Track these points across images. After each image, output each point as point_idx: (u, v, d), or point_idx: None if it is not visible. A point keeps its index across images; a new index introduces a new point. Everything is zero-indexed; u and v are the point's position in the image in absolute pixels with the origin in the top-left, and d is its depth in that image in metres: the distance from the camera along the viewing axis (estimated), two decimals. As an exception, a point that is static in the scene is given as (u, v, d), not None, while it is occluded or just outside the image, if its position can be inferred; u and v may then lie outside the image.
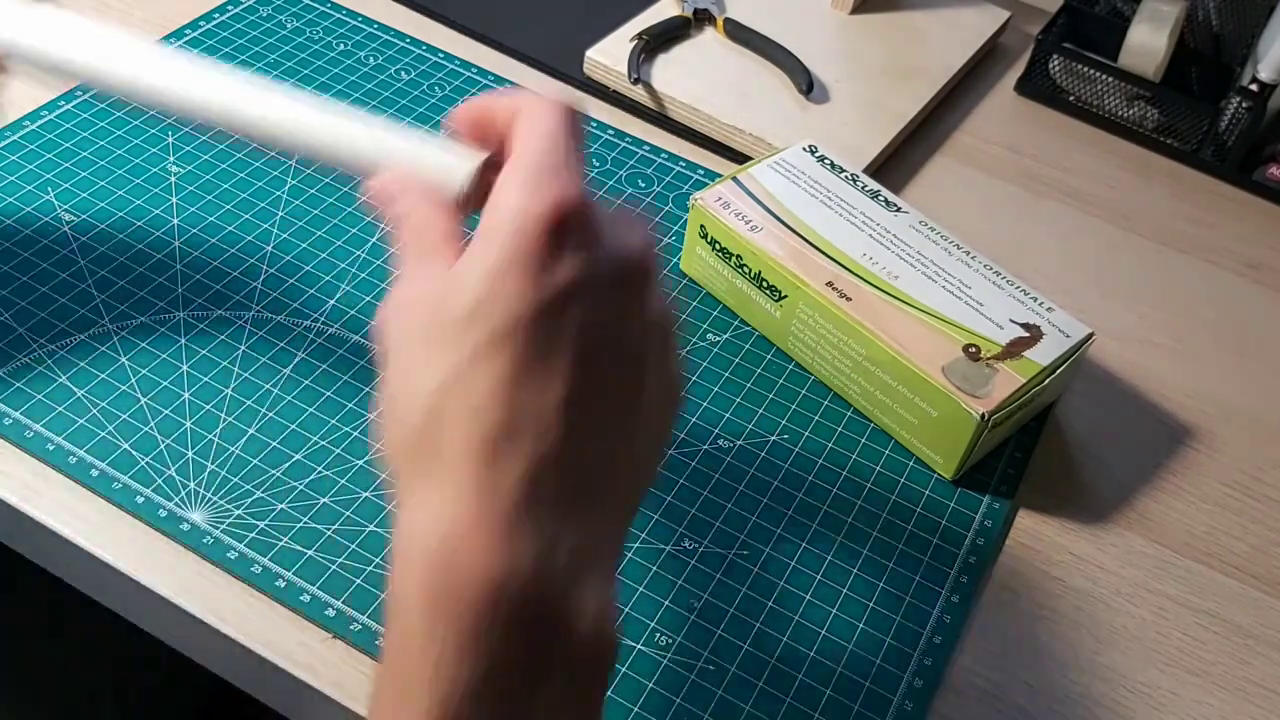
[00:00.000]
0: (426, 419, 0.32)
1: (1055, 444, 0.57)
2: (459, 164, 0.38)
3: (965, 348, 0.52)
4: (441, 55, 0.71)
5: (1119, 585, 0.52)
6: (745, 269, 0.57)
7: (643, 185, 0.66)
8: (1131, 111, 0.75)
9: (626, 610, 0.47)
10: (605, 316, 0.33)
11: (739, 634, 0.47)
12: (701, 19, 0.74)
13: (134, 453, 0.49)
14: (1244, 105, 0.71)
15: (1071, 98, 0.77)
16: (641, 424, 0.34)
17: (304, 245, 0.59)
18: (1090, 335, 0.54)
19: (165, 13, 0.71)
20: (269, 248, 0.58)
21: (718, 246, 0.58)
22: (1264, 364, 0.63)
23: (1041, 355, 0.53)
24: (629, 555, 0.49)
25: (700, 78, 0.70)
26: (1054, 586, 0.52)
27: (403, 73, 0.69)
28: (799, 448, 0.54)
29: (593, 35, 0.72)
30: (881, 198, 0.59)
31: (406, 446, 0.33)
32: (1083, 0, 0.78)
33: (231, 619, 0.45)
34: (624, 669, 0.46)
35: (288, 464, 0.50)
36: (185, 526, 0.47)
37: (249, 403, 0.52)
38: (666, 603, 0.48)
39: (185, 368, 0.53)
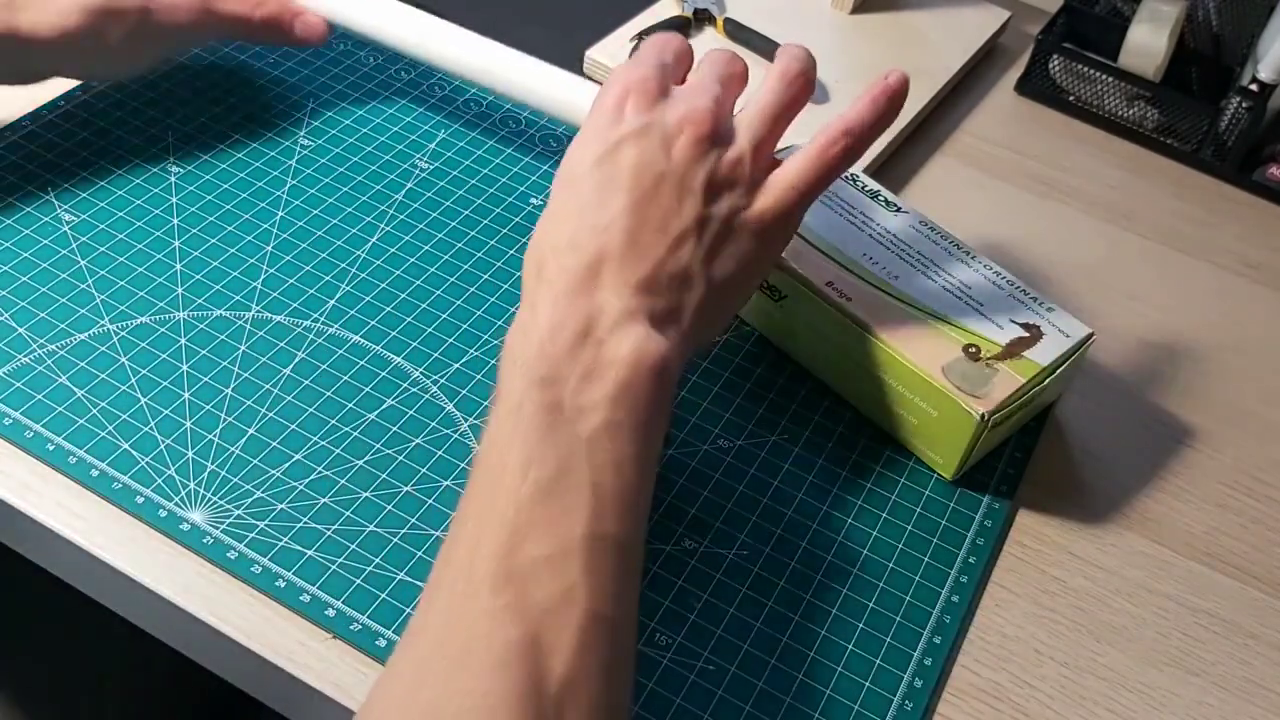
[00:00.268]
0: (530, 246, 0.46)
1: (1055, 444, 0.57)
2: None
3: (965, 348, 0.52)
4: (441, 55, 0.71)
5: (1119, 585, 0.52)
6: (745, 269, 0.57)
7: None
8: (1131, 111, 0.75)
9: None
10: (650, 156, 0.45)
11: (739, 634, 0.47)
12: (701, 19, 0.74)
13: (134, 453, 0.49)
14: (1244, 105, 0.71)
15: (1071, 98, 0.77)
16: (705, 240, 0.45)
17: (304, 245, 0.59)
18: (1090, 335, 0.54)
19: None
20: (269, 248, 0.58)
21: (718, 246, 0.58)
22: (1264, 364, 0.63)
23: (1041, 355, 0.53)
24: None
25: (700, 78, 0.70)
26: (1054, 586, 0.52)
27: (403, 73, 0.69)
28: (799, 448, 0.54)
29: (593, 35, 0.72)
30: (881, 198, 0.59)
31: (526, 266, 0.45)
32: (1083, 0, 0.78)
33: (231, 619, 0.45)
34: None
35: (288, 464, 0.50)
36: (185, 526, 0.47)
37: (249, 403, 0.52)
38: (666, 603, 0.48)
39: (185, 368, 0.53)
